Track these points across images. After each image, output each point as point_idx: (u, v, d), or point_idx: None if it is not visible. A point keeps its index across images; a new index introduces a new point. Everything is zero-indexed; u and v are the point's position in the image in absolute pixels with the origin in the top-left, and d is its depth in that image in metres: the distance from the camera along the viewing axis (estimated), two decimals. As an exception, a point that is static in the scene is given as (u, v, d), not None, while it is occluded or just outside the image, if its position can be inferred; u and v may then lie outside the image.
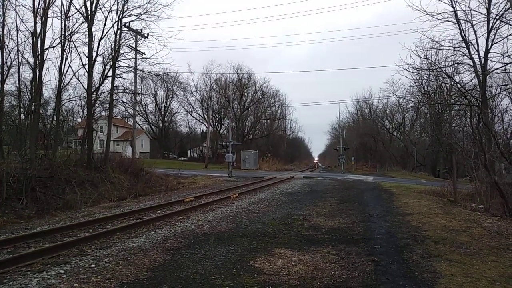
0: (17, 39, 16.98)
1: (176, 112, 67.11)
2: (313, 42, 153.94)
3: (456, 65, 19.35)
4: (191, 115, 65.56)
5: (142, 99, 56.92)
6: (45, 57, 16.40)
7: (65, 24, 17.17)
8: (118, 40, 19.59)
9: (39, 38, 16.23)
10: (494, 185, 11.77)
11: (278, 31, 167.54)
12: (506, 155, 12.80)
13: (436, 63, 19.84)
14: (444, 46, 17.93)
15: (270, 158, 55.32)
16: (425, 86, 38.17)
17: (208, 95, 61.15)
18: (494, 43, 17.41)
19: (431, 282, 4.88)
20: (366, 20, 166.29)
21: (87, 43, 17.99)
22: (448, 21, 17.20)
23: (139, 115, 56.71)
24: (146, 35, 23.32)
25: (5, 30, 16.88)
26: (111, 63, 19.17)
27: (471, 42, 17.78)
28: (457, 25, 17.50)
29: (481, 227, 8.70)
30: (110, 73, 19.23)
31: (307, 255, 6.23)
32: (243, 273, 5.27)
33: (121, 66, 20.27)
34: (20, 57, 17.13)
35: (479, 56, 17.96)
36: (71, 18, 17.58)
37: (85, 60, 18.11)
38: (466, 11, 16.94)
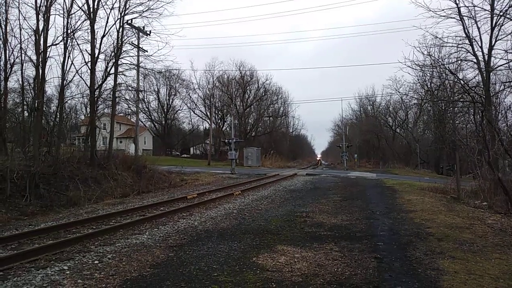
0: (20, 36, 17.06)
1: (178, 109, 67.25)
2: (318, 39, 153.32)
3: (459, 62, 19.28)
4: (193, 112, 65.67)
5: (145, 96, 57.02)
6: (48, 55, 16.45)
7: (67, 22, 17.22)
8: (120, 38, 19.63)
9: (42, 36, 16.25)
10: (497, 182, 11.73)
11: (283, 28, 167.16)
12: (510, 152, 12.75)
13: (439, 60, 19.76)
14: (447, 43, 17.90)
15: (273, 155, 55.30)
16: (428, 83, 37.98)
17: (211, 93, 61.23)
18: (498, 40, 17.32)
19: (434, 279, 4.87)
20: (370, 17, 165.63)
21: (90, 41, 18.04)
22: (452, 17, 17.14)
23: (142, 112, 56.85)
24: (148, 32, 23.31)
25: (8, 28, 16.97)
26: (114, 60, 19.21)
27: (474, 39, 17.71)
28: (460, 21, 17.43)
29: (484, 224, 8.67)
30: (112, 71, 19.28)
31: (310, 252, 6.23)
32: (246, 270, 5.27)
33: (123, 63, 20.33)
34: (23, 55, 17.23)
35: (483, 53, 17.87)
36: (73, 15, 17.63)
37: (87, 58, 18.17)
38: (469, 8, 16.90)
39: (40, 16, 16.29)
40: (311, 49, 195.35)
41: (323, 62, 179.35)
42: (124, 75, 20.90)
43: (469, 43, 17.76)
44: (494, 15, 16.69)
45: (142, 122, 58.49)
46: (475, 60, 18.12)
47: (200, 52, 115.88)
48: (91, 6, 17.89)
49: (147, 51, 23.45)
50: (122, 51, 19.89)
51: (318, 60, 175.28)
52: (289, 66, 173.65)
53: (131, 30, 22.27)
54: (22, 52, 17.13)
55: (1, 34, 16.85)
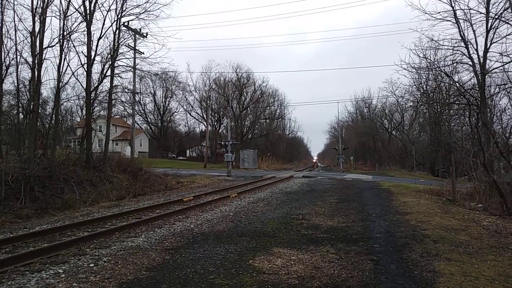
0: (16, 38, 16.97)
1: (175, 112, 67.25)
2: (318, 41, 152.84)
3: (455, 64, 19.35)
4: (190, 114, 65.68)
5: (141, 99, 56.99)
6: (43, 57, 16.35)
7: (63, 24, 17.13)
8: (117, 40, 19.56)
9: (38, 38, 16.17)
10: (493, 184, 11.80)
11: (282, 30, 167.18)
12: (505, 154, 12.83)
13: (435, 63, 19.90)
14: (443, 45, 17.98)
15: (269, 157, 55.27)
16: (424, 86, 38.20)
17: (207, 95, 61.24)
18: (493, 43, 17.41)
19: (430, 281, 4.88)
20: (371, 19, 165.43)
21: (86, 43, 17.96)
22: (447, 20, 17.23)
23: (138, 115, 56.71)
24: (145, 34, 23.27)
25: (3, 30, 16.84)
26: (110, 62, 19.13)
27: (470, 42, 17.80)
28: (456, 24, 17.52)
29: (480, 226, 8.72)
30: (109, 73, 19.20)
31: (306, 254, 6.23)
32: (242, 273, 5.26)
33: (120, 65, 20.24)
34: (18, 57, 17.13)
35: (478, 56, 17.98)
36: (69, 17, 17.54)
37: (84, 60, 18.08)
38: (465, 11, 16.99)
39: (36, 18, 16.21)
40: (311, 51, 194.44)
41: (323, 65, 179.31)
42: (120, 77, 20.84)
43: (464, 46, 17.87)
44: (490, 18, 16.81)
45: (138, 124, 58.33)
46: (470, 63, 18.21)
47: (198, 54, 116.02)
48: (87, 8, 17.85)
49: (143, 53, 23.41)
50: (119, 53, 19.82)
51: (318, 62, 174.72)
52: (288, 68, 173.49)
53: (127, 32, 22.25)
54: (18, 54, 17.06)
55: (-4, 35, 16.75)
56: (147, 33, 23.17)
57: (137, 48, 23.22)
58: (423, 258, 5.97)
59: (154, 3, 19.88)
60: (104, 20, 19.03)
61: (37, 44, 16.15)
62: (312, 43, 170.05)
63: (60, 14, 17.13)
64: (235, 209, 11.52)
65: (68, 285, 4.75)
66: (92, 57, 18.20)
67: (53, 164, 14.79)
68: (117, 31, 19.59)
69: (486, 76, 18.84)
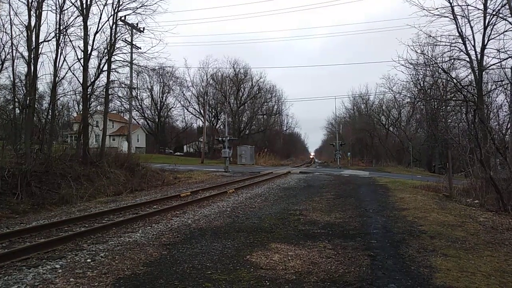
0: (11, 32, 16.77)
1: (172, 107, 66.96)
2: (324, 36, 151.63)
3: (452, 60, 19.42)
4: (187, 110, 65.48)
5: (138, 94, 56.73)
6: (39, 51, 16.22)
7: (60, 18, 16.99)
8: (113, 34, 19.46)
9: (34, 32, 16.04)
10: (489, 180, 11.84)
11: (284, 26, 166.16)
12: (501, 151, 12.86)
13: (433, 59, 19.91)
14: (440, 41, 18.01)
15: (267, 153, 55.28)
16: (421, 82, 38.36)
17: (205, 90, 61.09)
18: (491, 39, 17.43)
19: (427, 277, 4.90)
20: (381, 13, 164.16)
21: (83, 37, 17.86)
22: (445, 16, 17.23)
23: (135, 110, 56.59)
24: (142, 29, 23.18)
25: (-2, 24, 16.69)
26: (107, 57, 19.04)
27: (467, 38, 17.81)
28: (453, 20, 17.53)
29: (476, 222, 8.76)
30: (105, 68, 19.12)
31: (303, 250, 6.24)
32: (240, 268, 5.27)
33: (116, 60, 20.17)
34: (14, 51, 16.95)
35: (476, 52, 17.99)
36: (66, 11, 17.40)
37: (80, 54, 17.98)
38: (463, 7, 17.01)
39: (32, 12, 16.08)
40: (314, 47, 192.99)
41: (325, 61, 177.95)
42: (117, 72, 20.77)
43: (462, 42, 17.87)
44: (487, 14, 16.81)
45: (135, 119, 58.15)
46: (468, 59, 18.24)
47: (196, 49, 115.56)
48: (84, 2, 17.71)
49: (140, 48, 23.36)
50: (115, 48, 19.73)
51: (321, 58, 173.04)
52: (289, 64, 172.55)
53: (124, 26, 22.15)
54: (14, 48, 16.87)
55: (-9, 29, 16.59)
56: (144, 28, 23.11)
57: (134, 43, 23.14)
58: (420, 253, 5.99)
59: (151, -3, 19.78)
60: (101, 15, 18.93)
61: (33, 38, 16.03)
62: (315, 39, 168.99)
63: (56, 8, 17.01)
64: (233, 204, 11.52)
65: (65, 280, 4.74)
66: (89, 52, 18.09)
67: (50, 159, 14.75)
68: (114, 25, 19.52)
69: (483, 73, 18.88)
